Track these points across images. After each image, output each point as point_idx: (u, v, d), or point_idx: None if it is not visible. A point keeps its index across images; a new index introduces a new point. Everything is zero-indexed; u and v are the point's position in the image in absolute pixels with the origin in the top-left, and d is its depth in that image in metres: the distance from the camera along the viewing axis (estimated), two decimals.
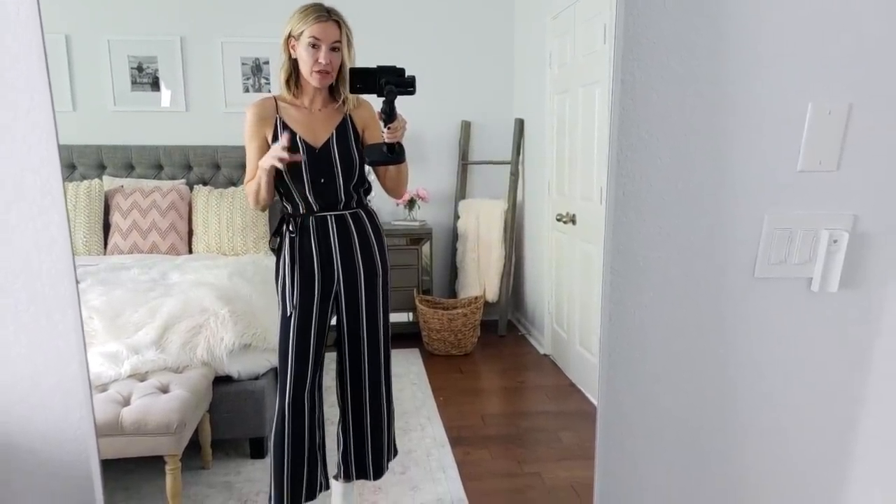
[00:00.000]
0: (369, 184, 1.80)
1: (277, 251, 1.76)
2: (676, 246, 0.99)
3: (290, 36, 1.59)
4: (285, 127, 1.65)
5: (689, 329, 1.03)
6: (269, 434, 2.18)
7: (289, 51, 1.61)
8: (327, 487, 1.86)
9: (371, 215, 1.80)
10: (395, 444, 1.99)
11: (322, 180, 1.65)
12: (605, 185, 0.96)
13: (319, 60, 1.57)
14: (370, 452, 1.86)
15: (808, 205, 1.00)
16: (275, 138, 1.66)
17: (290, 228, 1.69)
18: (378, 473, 1.90)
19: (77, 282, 0.87)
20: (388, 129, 1.47)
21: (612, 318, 1.00)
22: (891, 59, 0.96)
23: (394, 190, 1.81)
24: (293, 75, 1.64)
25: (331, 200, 1.68)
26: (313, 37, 1.55)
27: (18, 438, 0.93)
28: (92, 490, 0.94)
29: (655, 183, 0.96)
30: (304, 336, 1.72)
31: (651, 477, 1.08)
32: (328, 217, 1.69)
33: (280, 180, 1.66)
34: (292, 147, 1.63)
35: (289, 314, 1.72)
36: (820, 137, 0.98)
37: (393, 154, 1.55)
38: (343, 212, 1.71)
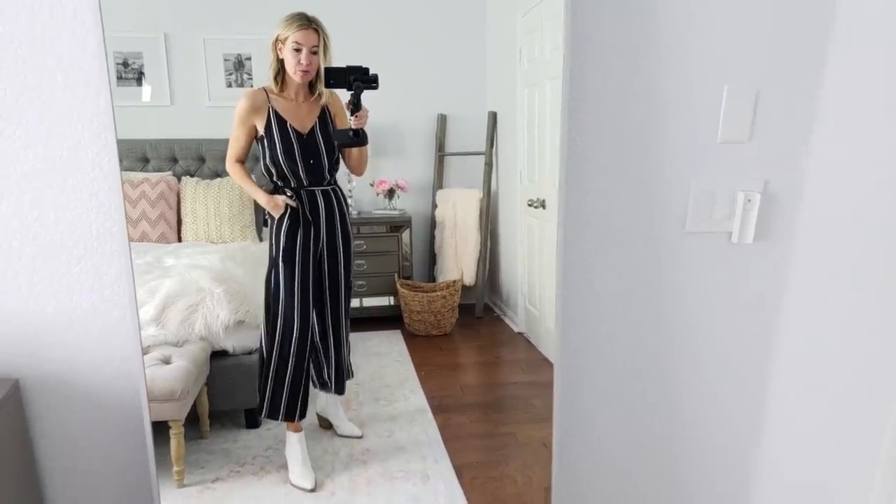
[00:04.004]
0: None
1: (270, 219, 2.03)
2: (619, 205, 1.21)
3: (277, 39, 1.93)
4: (277, 116, 1.88)
5: (632, 276, 1.25)
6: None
7: (276, 51, 1.94)
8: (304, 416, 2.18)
9: (341, 190, 2.17)
10: (350, 368, 2.39)
11: (311, 161, 1.99)
12: None
13: (301, 62, 1.89)
14: (334, 370, 2.27)
15: (726, 171, 1.23)
16: (267, 126, 1.95)
17: (289, 193, 2.03)
18: (340, 389, 2.29)
19: (129, 241, 1.05)
20: (355, 117, 1.81)
21: (566, 271, 1.21)
22: (789, 50, 1.19)
23: (356, 168, 2.16)
24: (280, 72, 1.96)
25: (318, 177, 2.02)
26: (296, 42, 1.88)
27: (72, 376, 1.10)
28: (141, 419, 1.12)
29: (600, 154, 1.17)
30: (291, 281, 2.08)
31: (599, 416, 1.30)
32: (316, 191, 2.03)
33: (275, 162, 1.95)
34: (283, 134, 1.96)
35: (279, 263, 2.08)
36: (735, 114, 1.20)
37: (358, 138, 1.89)
38: (327, 187, 2.06)
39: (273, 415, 2.15)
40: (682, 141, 1.20)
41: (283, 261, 2.09)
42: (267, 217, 2.14)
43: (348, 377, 2.39)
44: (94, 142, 1.02)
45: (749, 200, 1.23)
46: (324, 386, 2.32)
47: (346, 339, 2.32)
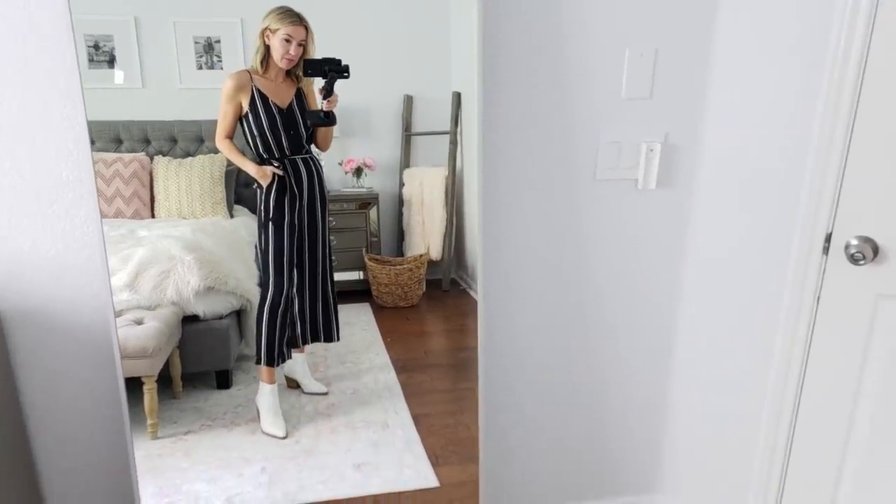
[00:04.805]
0: None
1: (259, 188, 2.34)
2: (538, 156, 1.37)
3: (267, 28, 2.18)
4: (260, 93, 2.18)
5: (550, 220, 1.41)
6: (233, 367, 2.53)
7: (263, 39, 2.20)
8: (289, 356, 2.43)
9: (316, 157, 2.43)
10: (338, 331, 2.61)
11: (291, 132, 2.29)
12: None
13: (290, 52, 2.18)
14: (322, 322, 2.52)
15: (631, 124, 1.39)
16: (251, 102, 2.24)
17: (276, 164, 2.29)
18: (330, 336, 2.55)
19: (104, 217, 1.19)
20: (327, 101, 2.14)
21: (486, 216, 1.37)
22: (683, 16, 1.35)
23: (323, 144, 2.46)
24: (265, 57, 2.23)
25: (298, 146, 2.31)
26: (287, 34, 2.16)
27: (47, 309, 1.25)
28: (111, 348, 1.26)
29: (517, 112, 1.33)
30: (280, 242, 2.34)
31: (516, 375, 1.46)
32: (297, 159, 2.32)
33: (261, 134, 2.25)
34: (267, 109, 2.24)
35: (269, 227, 2.32)
36: (636, 74, 1.36)
37: (328, 119, 2.24)
38: (305, 155, 2.33)
39: (269, 362, 2.39)
40: (589, 97, 1.36)
41: (273, 224, 2.33)
42: (256, 187, 2.37)
43: (335, 339, 2.62)
44: (62, 97, 1.16)
45: (651, 150, 1.39)
46: (310, 339, 2.52)
47: (334, 290, 2.63)
